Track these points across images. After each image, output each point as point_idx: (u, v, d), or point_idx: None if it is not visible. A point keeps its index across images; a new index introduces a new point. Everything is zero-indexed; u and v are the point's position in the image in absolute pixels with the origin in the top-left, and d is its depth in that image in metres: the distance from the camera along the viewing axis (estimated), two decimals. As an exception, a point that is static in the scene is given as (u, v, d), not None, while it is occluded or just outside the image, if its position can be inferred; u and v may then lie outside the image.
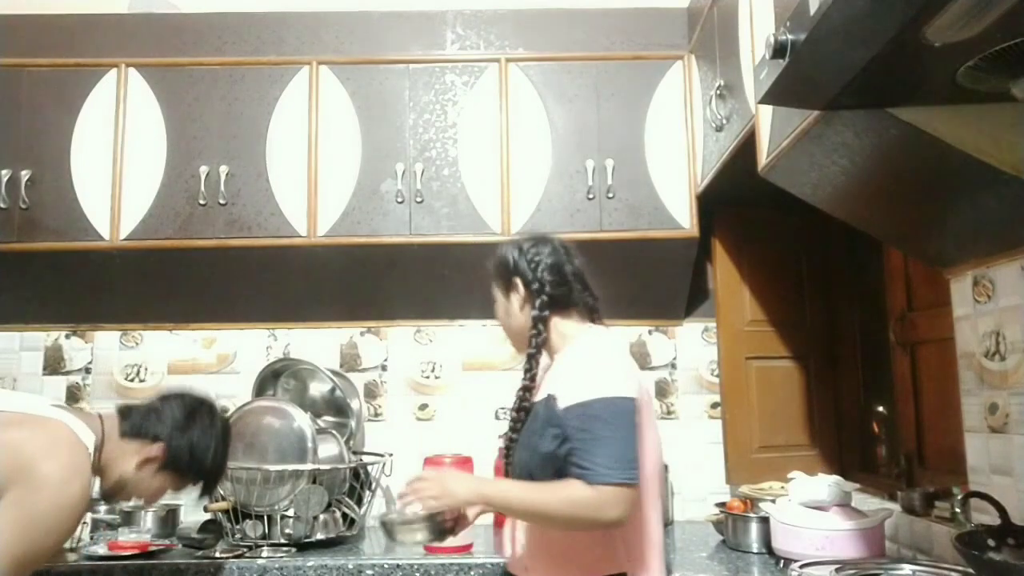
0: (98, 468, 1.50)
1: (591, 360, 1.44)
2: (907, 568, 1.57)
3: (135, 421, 1.55)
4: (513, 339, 1.61)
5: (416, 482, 1.48)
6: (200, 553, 2.11)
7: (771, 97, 1.32)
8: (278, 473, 2.17)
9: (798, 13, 1.12)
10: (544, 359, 1.56)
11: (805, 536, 1.81)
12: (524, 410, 1.52)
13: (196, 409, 1.62)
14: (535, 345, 1.52)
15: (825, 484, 1.87)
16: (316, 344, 2.71)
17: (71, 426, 1.43)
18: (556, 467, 1.38)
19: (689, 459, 2.64)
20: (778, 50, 1.16)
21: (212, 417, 1.64)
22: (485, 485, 1.52)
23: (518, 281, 1.54)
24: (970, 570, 1.41)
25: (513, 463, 1.52)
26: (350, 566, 2.03)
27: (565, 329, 1.53)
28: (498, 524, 2.44)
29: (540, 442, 1.41)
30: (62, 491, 1.34)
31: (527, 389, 1.52)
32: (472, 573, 2.02)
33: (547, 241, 1.58)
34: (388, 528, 1.53)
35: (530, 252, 1.55)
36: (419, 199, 2.47)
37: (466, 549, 2.07)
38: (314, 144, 2.49)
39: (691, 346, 2.72)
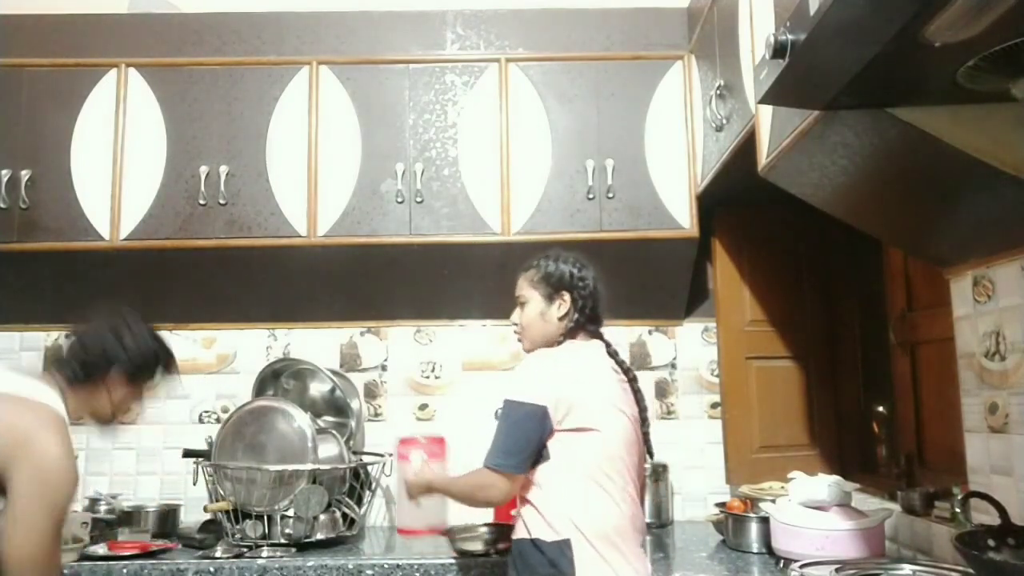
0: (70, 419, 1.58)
1: (523, 368, 1.70)
2: (907, 568, 1.57)
3: (78, 370, 1.61)
4: (532, 339, 1.77)
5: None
6: (200, 553, 2.11)
7: (771, 97, 1.31)
8: (278, 473, 2.17)
9: (798, 13, 1.11)
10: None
11: (805, 536, 1.81)
12: None
13: (114, 324, 1.67)
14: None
15: (825, 484, 1.87)
16: (316, 344, 2.71)
17: (44, 399, 1.50)
18: None
19: (689, 459, 2.64)
20: (778, 50, 1.16)
21: (125, 319, 1.69)
22: (433, 476, 1.80)
23: (567, 295, 1.74)
24: (970, 570, 1.41)
25: None
26: (350, 566, 2.03)
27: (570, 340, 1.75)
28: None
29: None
30: (64, 464, 1.42)
31: None
32: (472, 573, 2.02)
33: (589, 267, 1.79)
34: (449, 536, 1.98)
35: (583, 272, 1.77)
36: (419, 199, 2.47)
37: (438, 531, 2.13)
38: (314, 144, 2.49)
39: (691, 346, 2.72)
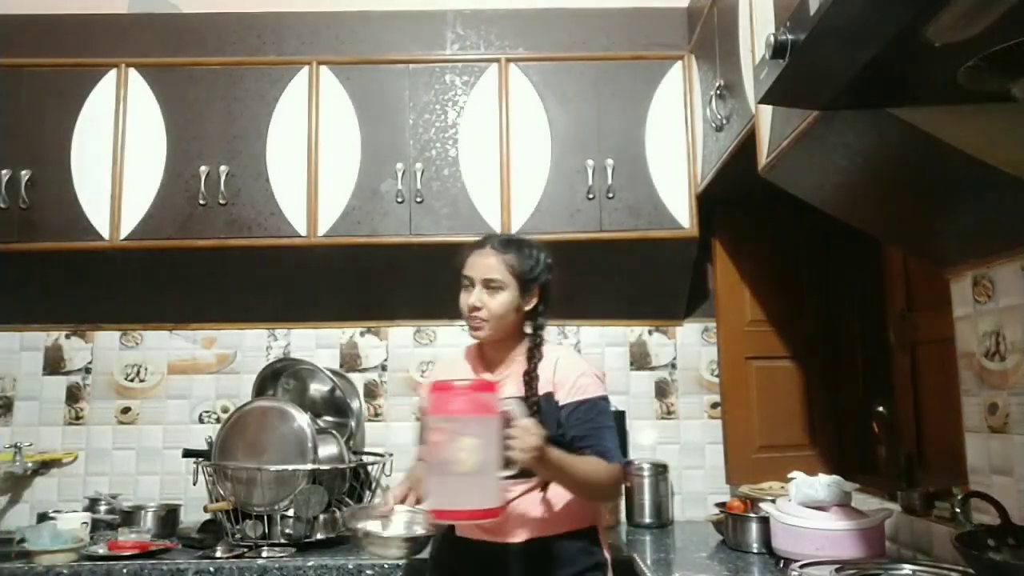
0: None
1: (581, 367, 1.70)
2: (907, 568, 1.57)
3: None
4: (495, 330, 1.69)
5: (520, 431, 1.43)
6: (200, 553, 2.11)
7: (771, 97, 1.31)
8: (278, 473, 2.17)
9: (798, 13, 1.11)
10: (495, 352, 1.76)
11: (805, 536, 1.80)
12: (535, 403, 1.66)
13: None
14: (538, 345, 1.72)
15: (825, 484, 1.87)
16: (316, 344, 2.71)
17: None
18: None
19: (689, 459, 2.65)
20: (778, 50, 1.16)
21: None
22: (543, 441, 1.47)
23: (537, 290, 1.73)
24: (970, 570, 1.41)
25: None
26: (350, 566, 2.03)
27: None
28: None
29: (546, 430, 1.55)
30: None
31: (530, 384, 1.68)
32: (472, 573, 2.02)
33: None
34: (363, 539, 1.64)
35: (551, 273, 1.75)
36: (419, 199, 2.47)
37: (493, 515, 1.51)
38: (314, 144, 2.49)
39: (691, 346, 2.72)
